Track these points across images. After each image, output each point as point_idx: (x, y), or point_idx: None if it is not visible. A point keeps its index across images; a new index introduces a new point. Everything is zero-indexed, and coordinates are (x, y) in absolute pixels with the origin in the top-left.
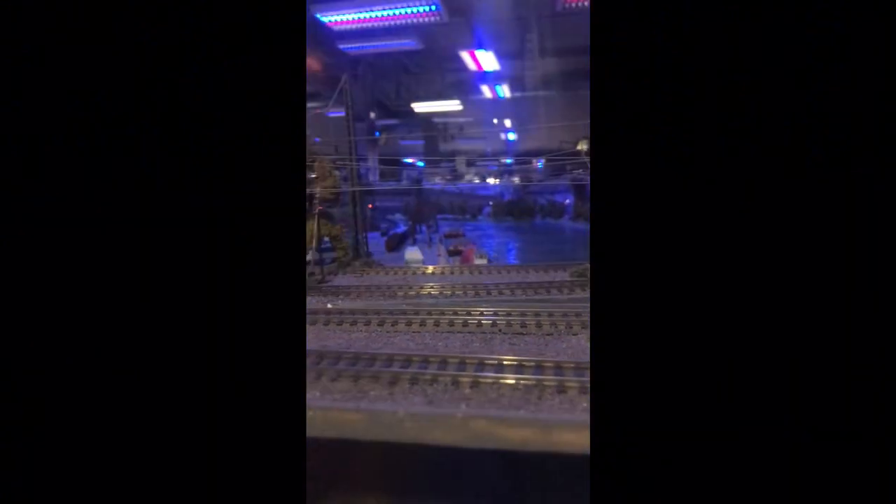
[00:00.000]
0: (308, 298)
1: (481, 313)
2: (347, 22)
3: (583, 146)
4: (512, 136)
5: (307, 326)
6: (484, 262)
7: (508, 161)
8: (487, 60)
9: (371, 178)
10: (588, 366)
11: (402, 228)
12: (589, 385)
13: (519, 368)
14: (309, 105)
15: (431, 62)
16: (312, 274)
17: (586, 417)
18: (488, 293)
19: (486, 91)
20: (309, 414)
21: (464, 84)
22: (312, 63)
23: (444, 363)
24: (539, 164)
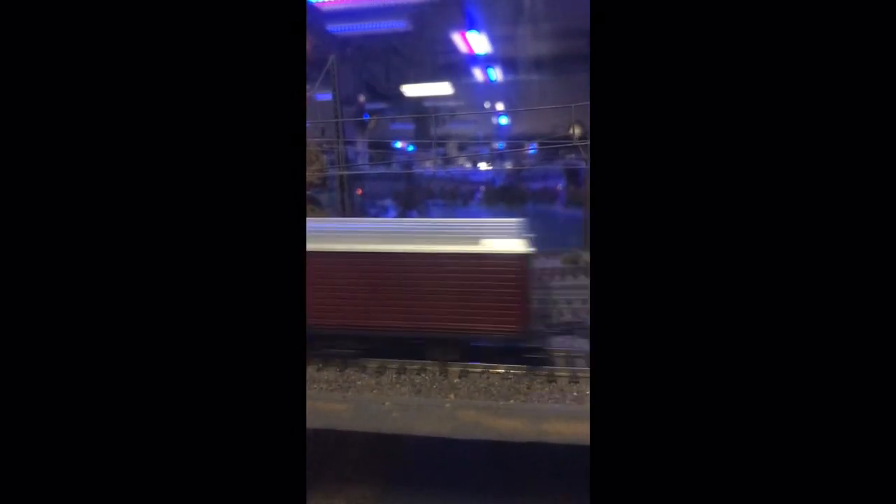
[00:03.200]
0: None
1: None
2: (336, 2)
3: (576, 130)
4: (504, 120)
5: None
6: None
7: (500, 146)
8: (479, 43)
9: (360, 162)
10: (578, 355)
11: (392, 214)
12: (580, 375)
13: (507, 357)
14: None
15: (422, 44)
16: None
17: (576, 407)
18: None
19: (478, 74)
20: None
21: (455, 67)
22: None
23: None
24: (532, 148)
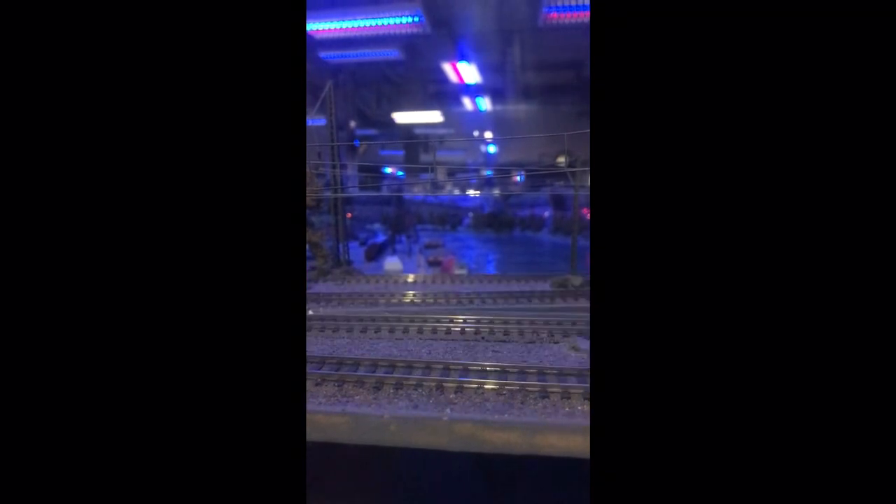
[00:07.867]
0: None
1: (464, 321)
2: (330, 31)
3: (562, 160)
4: (492, 149)
5: None
6: (464, 272)
7: (488, 173)
8: (469, 73)
9: (350, 185)
10: (571, 372)
11: (381, 238)
12: (580, 390)
13: (502, 374)
14: None
15: (413, 73)
16: None
17: (569, 421)
18: (470, 301)
19: (467, 103)
20: None
21: (445, 95)
22: None
23: (427, 369)
24: (519, 176)
